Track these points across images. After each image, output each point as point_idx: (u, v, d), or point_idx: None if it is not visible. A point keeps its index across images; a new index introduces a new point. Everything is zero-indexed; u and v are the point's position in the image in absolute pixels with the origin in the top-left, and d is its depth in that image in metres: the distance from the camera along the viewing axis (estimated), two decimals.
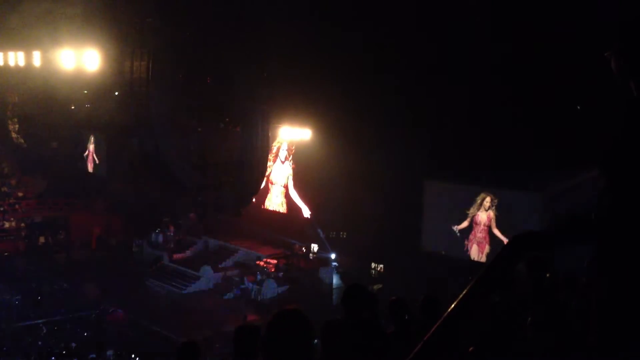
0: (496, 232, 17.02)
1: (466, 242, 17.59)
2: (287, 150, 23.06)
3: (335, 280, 20.55)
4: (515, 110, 14.77)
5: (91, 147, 28.63)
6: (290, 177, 23.06)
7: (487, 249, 17.26)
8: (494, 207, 17.11)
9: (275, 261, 21.30)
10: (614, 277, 2.27)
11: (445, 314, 2.13)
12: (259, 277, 20.40)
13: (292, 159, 22.97)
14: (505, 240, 16.30)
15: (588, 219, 2.46)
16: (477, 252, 17.39)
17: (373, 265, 19.74)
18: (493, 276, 2.16)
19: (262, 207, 23.72)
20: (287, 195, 23.26)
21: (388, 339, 4.23)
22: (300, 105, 20.19)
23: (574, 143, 13.79)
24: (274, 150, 23.28)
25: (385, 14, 15.68)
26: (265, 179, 23.63)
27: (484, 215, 17.28)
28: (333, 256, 21.20)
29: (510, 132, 14.86)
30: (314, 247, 21.90)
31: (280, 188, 23.49)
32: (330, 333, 4.20)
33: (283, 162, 23.38)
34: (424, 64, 15.63)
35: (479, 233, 17.39)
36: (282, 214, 23.32)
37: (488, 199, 17.20)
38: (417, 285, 15.06)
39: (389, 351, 4.06)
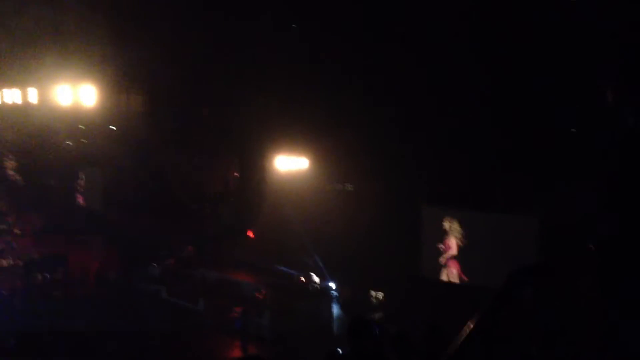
0: (464, 257, 17.18)
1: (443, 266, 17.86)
2: None
3: (336, 309, 20.41)
4: (509, 135, 14.87)
5: (82, 181, 28.58)
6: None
7: (455, 273, 17.48)
8: (459, 231, 17.35)
9: (273, 292, 21.14)
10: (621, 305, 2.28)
11: (450, 353, 2.10)
12: (257, 309, 20.24)
13: None
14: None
15: (587, 250, 2.47)
16: (446, 275, 17.57)
17: (373, 293, 19.62)
18: (493, 315, 2.15)
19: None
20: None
21: None
22: (296, 134, 20.27)
23: (569, 165, 13.87)
24: None
25: (379, 47, 15.88)
26: None
27: (452, 239, 17.56)
28: (332, 285, 21.07)
29: (504, 157, 14.95)
30: (313, 276, 21.76)
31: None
32: None
33: None
34: (417, 90, 15.78)
35: (444, 258, 17.64)
36: (280, 243, 23.22)
37: (454, 223, 17.46)
38: (418, 312, 14.99)
39: None
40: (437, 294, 16.35)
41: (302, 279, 21.63)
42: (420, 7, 15.07)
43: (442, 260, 17.69)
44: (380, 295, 19.28)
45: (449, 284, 17.37)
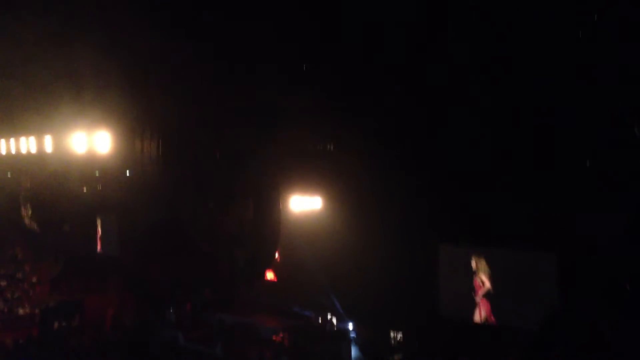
0: (494, 295, 16.96)
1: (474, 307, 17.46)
2: None
3: (354, 351, 20.09)
4: (524, 170, 14.76)
5: (99, 228, 28.69)
6: None
7: (484, 313, 17.10)
8: (487, 270, 17.07)
9: (290, 334, 20.89)
10: None
11: None
12: (275, 352, 19.99)
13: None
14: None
15: (623, 289, 2.38)
16: (478, 315, 17.24)
17: (392, 334, 19.31)
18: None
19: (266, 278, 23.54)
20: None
21: None
22: (310, 173, 20.26)
23: (588, 200, 13.73)
24: None
25: (389, 83, 15.94)
26: None
27: (481, 278, 17.25)
28: (350, 326, 20.78)
29: (516, 192, 14.83)
30: (331, 317, 21.51)
31: None
32: None
33: None
34: (431, 130, 15.79)
35: (479, 297, 17.31)
36: (297, 284, 23.04)
37: (481, 262, 17.17)
38: (438, 353, 14.71)
39: None
40: (457, 334, 16.02)
41: (320, 320, 21.38)
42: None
43: (476, 299, 17.32)
44: (399, 335, 18.96)
45: (468, 324, 16.97)
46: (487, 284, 17.02)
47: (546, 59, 13.66)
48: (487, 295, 17.01)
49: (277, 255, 23.04)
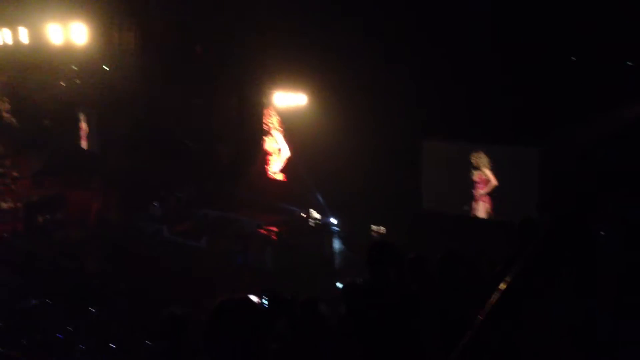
0: (496, 190, 17.14)
1: (472, 201, 17.63)
2: (278, 118, 22.79)
3: (337, 244, 20.58)
4: (509, 62, 14.69)
5: (83, 123, 28.37)
6: (284, 144, 22.87)
7: (489, 207, 17.34)
8: (489, 165, 17.15)
9: (275, 228, 21.23)
10: None
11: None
12: (259, 245, 20.39)
13: (284, 126, 22.72)
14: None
15: None
16: (483, 210, 17.45)
17: (374, 227, 19.68)
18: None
19: (265, 175, 23.48)
20: (285, 163, 23.13)
21: (416, 298, 4.18)
22: (294, 70, 19.96)
23: (571, 96, 13.78)
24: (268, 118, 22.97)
25: None
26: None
27: (481, 173, 17.35)
28: (333, 221, 21.17)
29: (507, 87, 14.81)
30: (314, 212, 21.84)
31: (277, 157, 23.28)
32: (355, 296, 4.15)
33: (273, 131, 23.11)
34: (416, 22, 15.52)
35: (480, 191, 17.45)
36: (281, 181, 23.21)
37: (482, 156, 17.23)
38: (421, 246, 15.07)
39: (417, 310, 4.01)
40: (443, 228, 16.36)
41: (303, 215, 21.73)
42: None
43: (476, 194, 17.46)
44: (381, 229, 19.36)
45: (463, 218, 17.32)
46: (494, 181, 17.12)
47: None
48: (491, 192, 17.17)
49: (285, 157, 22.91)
